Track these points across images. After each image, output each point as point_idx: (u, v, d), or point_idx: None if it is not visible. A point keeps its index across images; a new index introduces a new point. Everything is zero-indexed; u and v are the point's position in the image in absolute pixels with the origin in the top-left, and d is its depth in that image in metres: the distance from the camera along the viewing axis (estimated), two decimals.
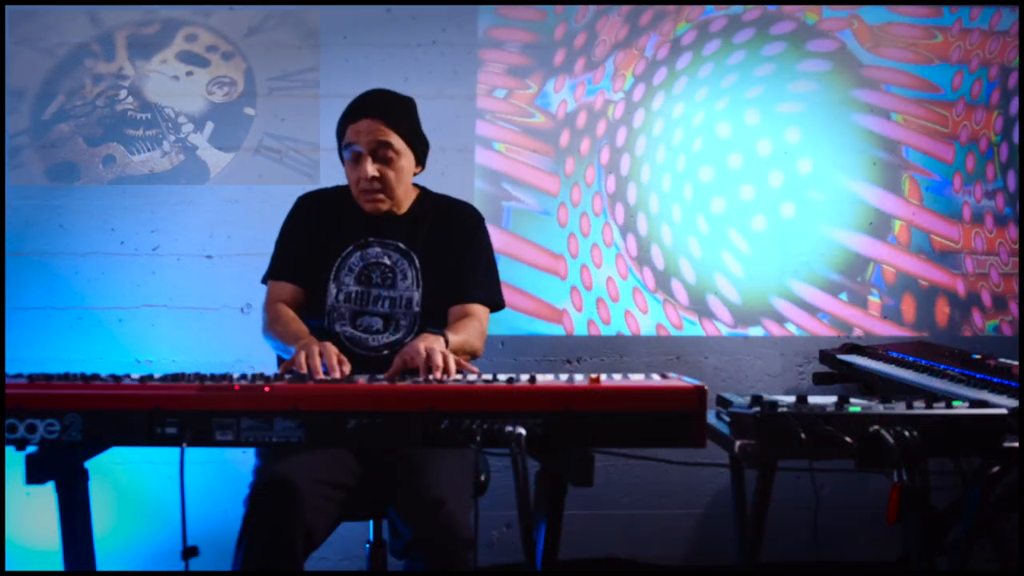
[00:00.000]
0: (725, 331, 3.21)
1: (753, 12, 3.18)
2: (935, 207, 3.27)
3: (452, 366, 1.91)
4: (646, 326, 3.18)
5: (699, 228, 3.20)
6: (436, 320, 2.24)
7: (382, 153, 2.22)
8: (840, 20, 3.20)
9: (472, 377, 1.88)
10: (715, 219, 3.20)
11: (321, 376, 1.88)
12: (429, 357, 1.90)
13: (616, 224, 3.17)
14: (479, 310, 2.29)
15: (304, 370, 1.90)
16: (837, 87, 3.22)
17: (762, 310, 3.22)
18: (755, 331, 3.21)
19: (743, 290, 3.22)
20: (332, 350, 1.96)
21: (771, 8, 3.17)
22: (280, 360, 2.30)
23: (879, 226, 3.25)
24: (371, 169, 2.21)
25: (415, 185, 2.38)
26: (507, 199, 3.13)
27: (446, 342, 2.02)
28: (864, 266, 3.25)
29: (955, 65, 3.24)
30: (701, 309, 3.20)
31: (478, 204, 3.07)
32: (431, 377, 1.86)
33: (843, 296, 3.24)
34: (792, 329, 3.22)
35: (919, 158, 3.26)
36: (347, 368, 1.94)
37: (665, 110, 3.17)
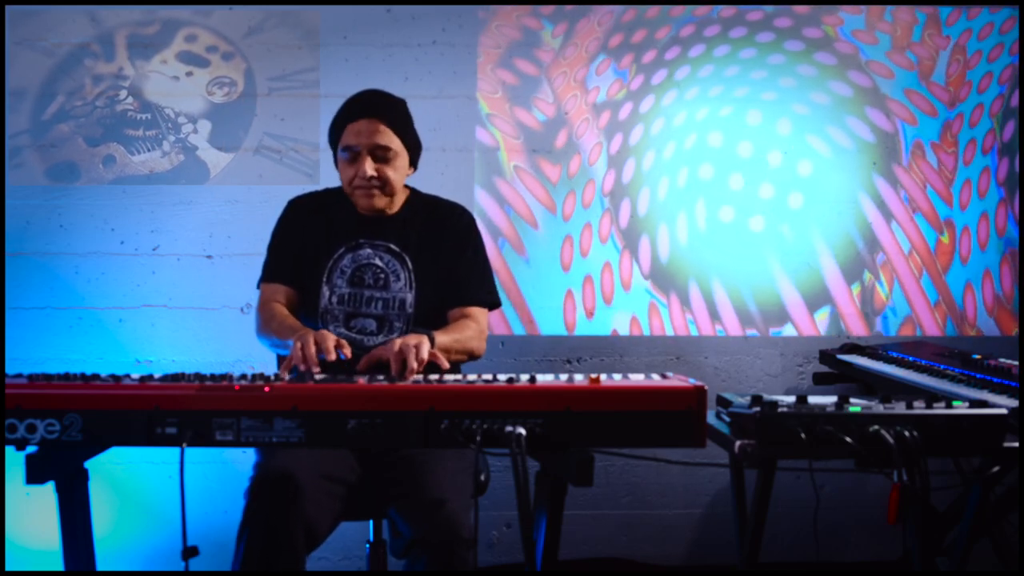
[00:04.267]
0: (639, 278, 3.15)
1: (846, 46, 3.18)
2: (865, 312, 3.24)
3: (423, 357, 1.91)
4: (583, 240, 3.14)
5: (676, 179, 3.17)
6: (430, 321, 2.24)
7: (380, 154, 2.23)
8: (909, 112, 3.20)
9: (455, 377, 1.88)
10: (695, 181, 3.17)
11: (317, 369, 1.89)
12: (401, 353, 1.90)
13: (606, 142, 3.15)
14: (477, 312, 2.30)
15: (301, 362, 1.91)
16: (866, 163, 3.22)
17: (676, 284, 3.18)
18: (679, 321, 3.22)
19: (674, 253, 3.18)
20: (329, 336, 1.96)
21: (864, 57, 3.18)
22: (280, 359, 2.30)
23: (815, 296, 3.23)
24: (369, 168, 2.22)
25: (405, 186, 2.38)
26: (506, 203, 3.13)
27: (431, 341, 2.01)
28: (779, 318, 3.22)
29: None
30: (630, 243, 3.16)
31: (476, 203, 3.10)
32: (412, 378, 1.86)
33: (748, 331, 3.21)
34: (690, 323, 3.19)
35: (888, 276, 3.24)
36: (347, 351, 1.94)
37: (716, 75, 3.17)
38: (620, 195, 3.16)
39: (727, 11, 3.16)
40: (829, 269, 3.23)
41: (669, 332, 3.18)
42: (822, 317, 3.23)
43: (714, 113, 3.18)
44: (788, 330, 3.22)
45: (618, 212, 3.16)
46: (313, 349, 1.92)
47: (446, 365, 1.97)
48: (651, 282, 3.18)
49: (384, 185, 2.24)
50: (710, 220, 3.19)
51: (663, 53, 3.16)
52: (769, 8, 3.17)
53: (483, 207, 3.11)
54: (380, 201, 2.27)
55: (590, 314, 3.16)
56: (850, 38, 3.20)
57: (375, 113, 2.24)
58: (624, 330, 3.17)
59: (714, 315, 3.20)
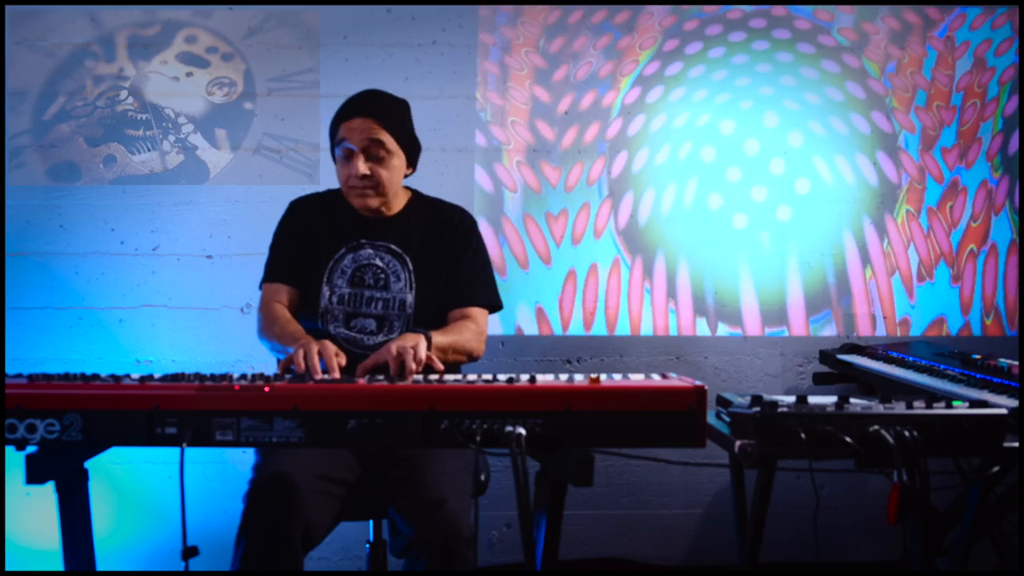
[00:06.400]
0: (612, 230, 3.13)
1: (878, 85, 3.20)
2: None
3: (421, 357, 1.91)
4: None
5: (679, 150, 3.16)
6: (430, 322, 2.24)
7: (374, 152, 2.22)
8: (918, 170, 3.20)
9: (455, 377, 1.88)
10: (695, 159, 3.17)
11: (320, 376, 1.88)
12: (399, 355, 1.90)
13: (623, 91, 3.15)
14: (477, 313, 2.30)
15: (302, 369, 1.90)
16: (861, 204, 3.21)
17: (645, 249, 3.17)
18: (683, 325, 3.21)
19: (653, 220, 3.16)
20: (330, 348, 1.95)
21: (890, 103, 3.19)
22: (279, 363, 2.29)
23: (772, 311, 3.22)
24: (362, 167, 2.21)
25: (406, 188, 2.38)
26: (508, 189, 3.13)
27: (428, 341, 2.01)
28: (731, 319, 3.20)
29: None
30: (615, 194, 3.14)
31: (476, 202, 3.10)
32: (412, 378, 1.86)
33: (699, 318, 3.19)
34: (658, 321, 3.18)
35: (848, 320, 3.23)
36: (343, 360, 1.93)
37: (747, 67, 3.18)
38: (620, 145, 3.16)
39: (778, 10, 3.17)
40: (793, 291, 3.22)
41: (624, 291, 3.17)
42: (771, 333, 3.23)
43: (734, 102, 3.18)
44: (734, 332, 3.21)
45: (613, 160, 3.16)
46: (316, 360, 1.91)
47: (440, 367, 1.96)
48: (622, 239, 3.17)
49: (377, 185, 2.24)
50: (697, 201, 3.18)
51: (705, 27, 3.16)
52: (825, 24, 3.17)
53: (494, 134, 3.12)
54: (373, 201, 2.26)
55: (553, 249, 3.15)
56: (885, 80, 3.20)
57: (369, 112, 2.22)
58: (582, 272, 3.15)
59: (671, 293, 3.18)
